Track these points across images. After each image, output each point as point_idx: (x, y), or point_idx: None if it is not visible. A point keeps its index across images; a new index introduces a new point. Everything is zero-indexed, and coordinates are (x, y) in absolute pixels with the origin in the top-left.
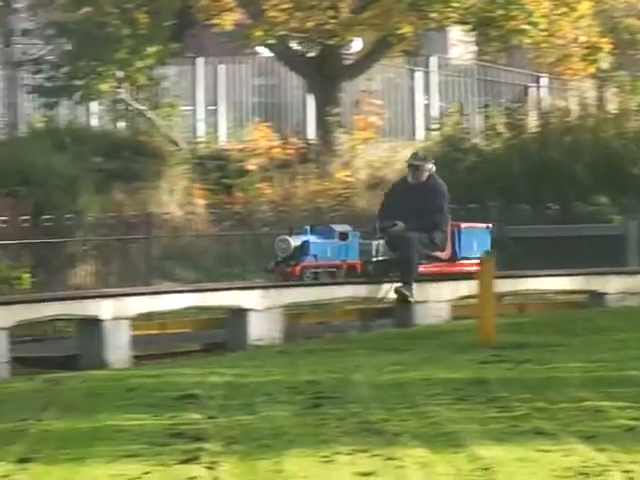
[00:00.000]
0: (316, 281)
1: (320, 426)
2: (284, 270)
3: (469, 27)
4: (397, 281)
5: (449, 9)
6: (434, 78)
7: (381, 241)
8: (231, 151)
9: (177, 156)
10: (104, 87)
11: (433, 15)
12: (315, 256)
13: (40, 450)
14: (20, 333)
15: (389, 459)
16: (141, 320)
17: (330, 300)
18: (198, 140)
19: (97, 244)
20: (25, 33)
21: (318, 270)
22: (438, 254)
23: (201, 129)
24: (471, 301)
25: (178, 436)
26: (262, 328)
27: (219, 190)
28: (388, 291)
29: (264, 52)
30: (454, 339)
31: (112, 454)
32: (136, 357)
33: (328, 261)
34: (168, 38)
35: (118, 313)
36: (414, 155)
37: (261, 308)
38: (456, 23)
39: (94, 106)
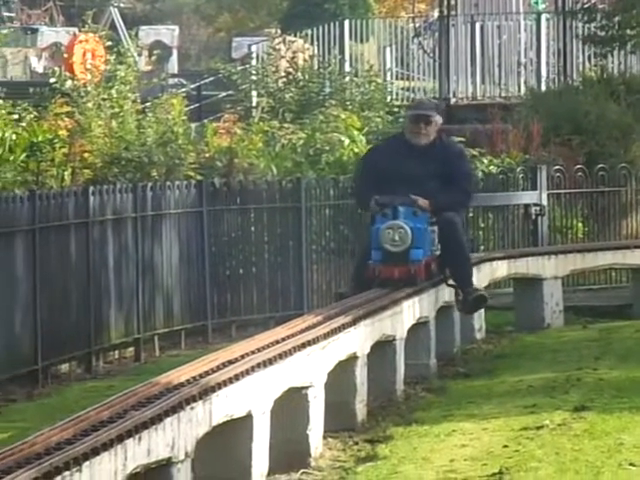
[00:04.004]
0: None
1: None
2: (405, 270)
3: None
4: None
5: None
6: None
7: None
8: None
9: None
10: None
11: None
12: (423, 249)
13: (595, 399)
14: (574, 282)
15: None
16: None
17: None
18: None
19: None
20: None
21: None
22: None
23: None
24: None
25: None
26: None
27: None
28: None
29: None
30: None
31: None
32: None
33: (427, 255)
34: None
35: None
36: (420, 103)
37: None
38: None
39: None
